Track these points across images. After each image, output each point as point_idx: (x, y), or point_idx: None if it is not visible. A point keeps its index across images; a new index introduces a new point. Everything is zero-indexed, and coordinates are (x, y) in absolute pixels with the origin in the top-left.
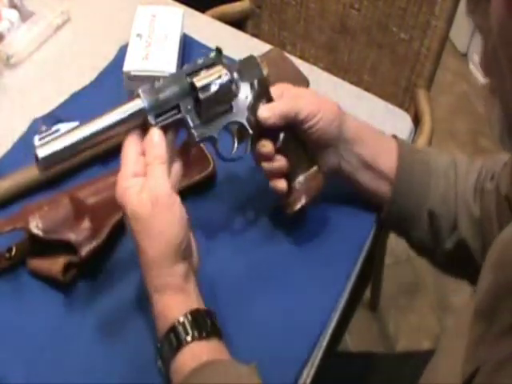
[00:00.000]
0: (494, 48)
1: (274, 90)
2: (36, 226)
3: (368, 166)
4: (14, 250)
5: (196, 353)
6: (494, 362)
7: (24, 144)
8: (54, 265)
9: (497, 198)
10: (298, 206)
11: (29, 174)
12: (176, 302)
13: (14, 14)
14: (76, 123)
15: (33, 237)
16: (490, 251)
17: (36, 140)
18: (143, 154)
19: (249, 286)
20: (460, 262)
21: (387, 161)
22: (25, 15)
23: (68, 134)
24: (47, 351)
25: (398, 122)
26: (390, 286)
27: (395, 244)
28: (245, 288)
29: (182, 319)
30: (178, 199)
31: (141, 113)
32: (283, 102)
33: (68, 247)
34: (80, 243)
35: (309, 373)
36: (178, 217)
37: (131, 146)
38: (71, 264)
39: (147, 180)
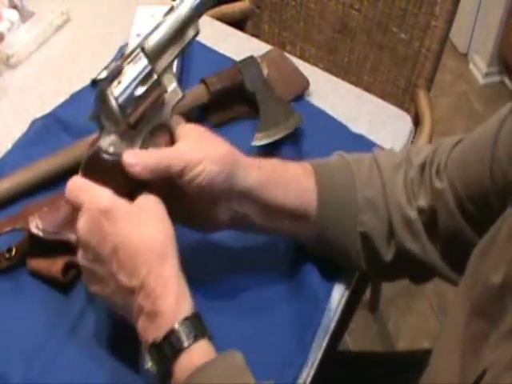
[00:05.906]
0: None
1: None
2: (36, 226)
3: (282, 210)
4: (13, 250)
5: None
6: (501, 365)
7: (24, 144)
8: (54, 265)
9: (454, 195)
10: None
11: (29, 174)
12: (150, 327)
13: (14, 14)
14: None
15: (33, 237)
16: (482, 246)
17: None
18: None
19: (248, 286)
20: (401, 268)
21: (305, 197)
22: (25, 15)
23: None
24: (47, 351)
25: (397, 123)
26: (390, 287)
27: None
28: (244, 288)
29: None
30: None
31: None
32: (156, 152)
33: (68, 247)
34: None
35: (309, 373)
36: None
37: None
38: (71, 264)
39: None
